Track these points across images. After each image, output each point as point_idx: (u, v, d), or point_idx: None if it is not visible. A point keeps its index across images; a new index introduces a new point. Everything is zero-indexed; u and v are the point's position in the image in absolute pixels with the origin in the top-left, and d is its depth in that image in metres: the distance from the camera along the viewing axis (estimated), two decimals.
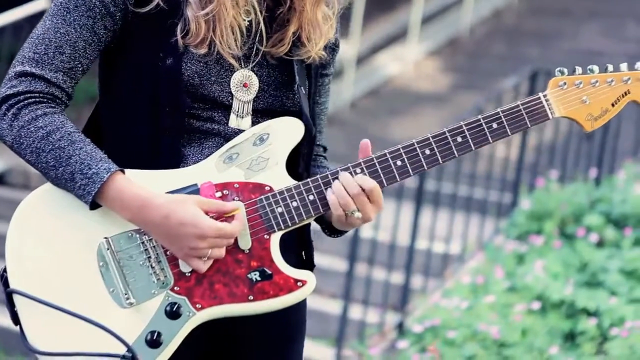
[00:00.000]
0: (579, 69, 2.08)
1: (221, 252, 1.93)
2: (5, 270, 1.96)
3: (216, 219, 1.92)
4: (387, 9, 12.82)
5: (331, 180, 1.99)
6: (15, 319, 1.95)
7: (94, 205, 1.92)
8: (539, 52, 10.96)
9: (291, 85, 2.05)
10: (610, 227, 5.51)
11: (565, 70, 2.08)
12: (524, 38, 11.75)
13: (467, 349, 4.66)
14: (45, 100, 1.95)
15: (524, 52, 11.17)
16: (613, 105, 2.06)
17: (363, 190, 1.96)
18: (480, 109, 5.88)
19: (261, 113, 2.04)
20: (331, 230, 2.10)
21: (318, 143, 2.19)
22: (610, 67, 2.09)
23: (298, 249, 2.11)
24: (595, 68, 2.09)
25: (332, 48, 2.12)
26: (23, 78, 1.95)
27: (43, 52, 1.95)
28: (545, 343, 4.65)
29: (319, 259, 2.24)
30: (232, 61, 1.99)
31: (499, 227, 6.21)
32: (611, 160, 6.76)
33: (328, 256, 6.12)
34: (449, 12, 12.67)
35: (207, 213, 1.90)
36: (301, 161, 2.06)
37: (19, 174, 7.80)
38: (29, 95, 1.94)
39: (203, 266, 1.93)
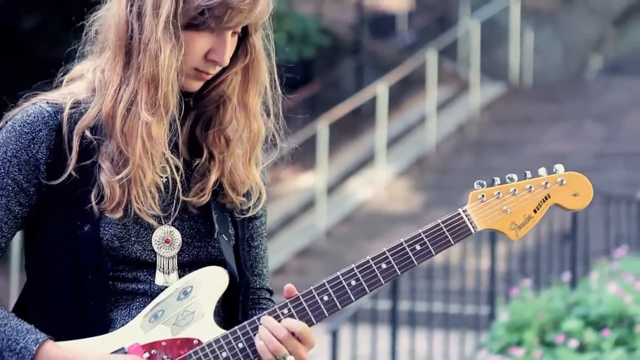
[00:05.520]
0: (497, 180, 2.05)
1: None
2: None
3: None
4: (352, 135, 12.97)
5: (258, 325, 1.93)
6: None
7: None
8: (504, 161, 11.05)
9: (214, 234, 2.01)
10: (589, 330, 5.41)
11: (484, 183, 2.06)
12: (488, 149, 11.87)
13: None
14: None
15: (489, 162, 11.27)
16: (535, 211, 2.02)
17: (293, 334, 1.91)
18: None
19: (188, 266, 1.99)
20: None
21: (258, 287, 2.13)
22: (529, 174, 2.06)
23: None
24: (514, 176, 2.06)
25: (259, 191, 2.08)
26: None
27: None
28: None
29: None
30: (151, 220, 1.95)
31: (480, 341, 6.10)
32: (584, 261, 6.72)
33: None
34: (414, 131, 12.83)
35: None
36: (239, 310, 2.01)
37: None
38: None
39: None
